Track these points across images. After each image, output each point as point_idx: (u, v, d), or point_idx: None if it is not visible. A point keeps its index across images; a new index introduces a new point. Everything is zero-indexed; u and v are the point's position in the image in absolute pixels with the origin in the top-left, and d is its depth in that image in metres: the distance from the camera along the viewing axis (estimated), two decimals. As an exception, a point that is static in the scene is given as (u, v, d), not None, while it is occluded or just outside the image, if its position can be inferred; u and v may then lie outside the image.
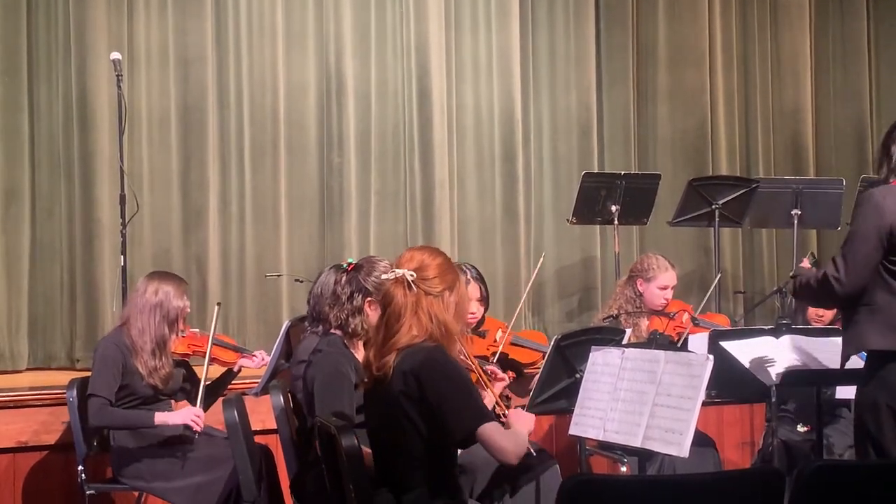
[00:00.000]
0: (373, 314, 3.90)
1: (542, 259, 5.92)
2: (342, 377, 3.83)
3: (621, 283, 5.82)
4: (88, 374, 4.70)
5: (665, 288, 5.63)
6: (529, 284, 6.10)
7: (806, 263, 4.21)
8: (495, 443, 3.09)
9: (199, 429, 4.53)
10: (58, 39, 6.59)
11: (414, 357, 3.17)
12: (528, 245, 7.71)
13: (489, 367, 4.33)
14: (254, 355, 4.98)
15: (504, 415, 3.48)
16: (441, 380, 3.13)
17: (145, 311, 4.59)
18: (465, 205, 7.60)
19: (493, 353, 5.11)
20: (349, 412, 3.73)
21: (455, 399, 3.11)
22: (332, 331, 4.02)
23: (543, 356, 5.07)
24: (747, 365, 4.18)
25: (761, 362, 4.18)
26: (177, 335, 4.69)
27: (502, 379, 4.37)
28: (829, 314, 5.59)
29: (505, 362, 5.09)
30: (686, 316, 5.67)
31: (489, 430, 3.09)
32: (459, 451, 3.43)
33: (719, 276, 5.99)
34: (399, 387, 3.16)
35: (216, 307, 4.93)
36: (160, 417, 4.52)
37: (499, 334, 5.26)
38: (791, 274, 4.08)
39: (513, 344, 5.36)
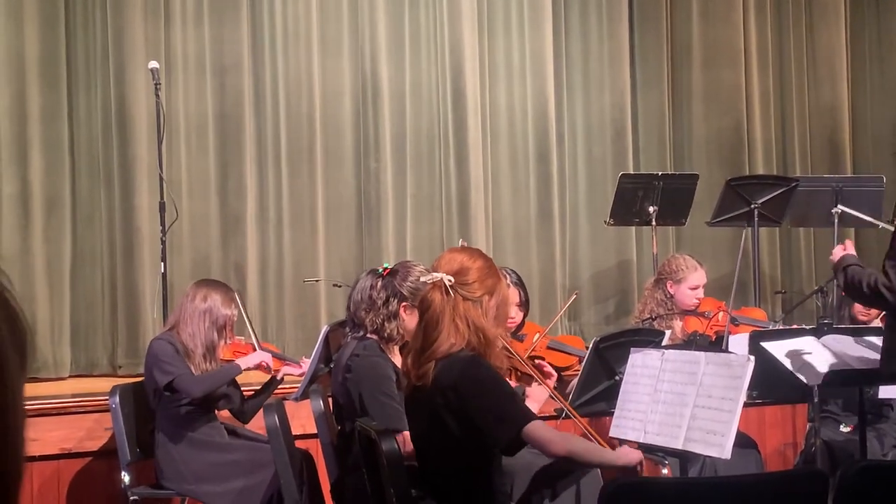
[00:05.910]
0: (408, 319, 3.90)
1: (573, 296, 5.92)
2: (387, 380, 3.85)
3: (649, 286, 5.71)
4: (131, 380, 4.75)
5: (696, 288, 5.57)
6: (562, 311, 6.16)
7: (848, 248, 4.10)
8: (542, 436, 3.06)
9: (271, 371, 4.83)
10: (96, 49, 6.66)
11: (452, 370, 3.12)
12: (562, 246, 7.69)
13: (539, 363, 4.29)
14: (298, 363, 5.01)
15: (562, 409, 3.42)
16: (480, 393, 3.10)
17: (195, 316, 4.65)
18: (500, 206, 7.59)
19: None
20: (402, 414, 3.70)
21: (495, 409, 3.08)
22: (368, 335, 4.04)
23: (579, 360, 5.07)
24: (789, 365, 4.16)
25: (803, 362, 4.15)
26: (225, 342, 4.75)
27: (550, 374, 4.31)
28: (875, 311, 5.56)
29: None
30: (722, 313, 5.62)
31: (533, 427, 3.07)
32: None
33: (740, 259, 5.91)
34: (439, 399, 3.13)
35: (251, 329, 5.06)
36: (241, 363, 4.74)
37: (536, 338, 5.24)
38: (836, 265, 4.02)
39: (549, 348, 5.34)
